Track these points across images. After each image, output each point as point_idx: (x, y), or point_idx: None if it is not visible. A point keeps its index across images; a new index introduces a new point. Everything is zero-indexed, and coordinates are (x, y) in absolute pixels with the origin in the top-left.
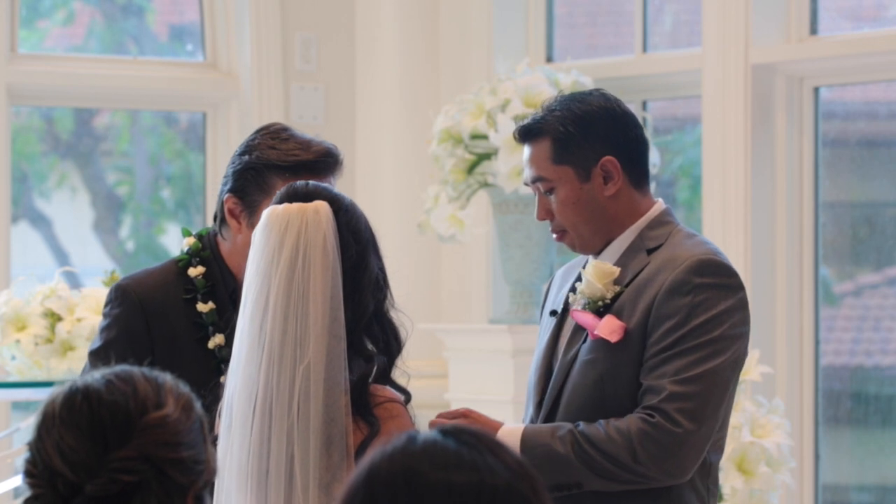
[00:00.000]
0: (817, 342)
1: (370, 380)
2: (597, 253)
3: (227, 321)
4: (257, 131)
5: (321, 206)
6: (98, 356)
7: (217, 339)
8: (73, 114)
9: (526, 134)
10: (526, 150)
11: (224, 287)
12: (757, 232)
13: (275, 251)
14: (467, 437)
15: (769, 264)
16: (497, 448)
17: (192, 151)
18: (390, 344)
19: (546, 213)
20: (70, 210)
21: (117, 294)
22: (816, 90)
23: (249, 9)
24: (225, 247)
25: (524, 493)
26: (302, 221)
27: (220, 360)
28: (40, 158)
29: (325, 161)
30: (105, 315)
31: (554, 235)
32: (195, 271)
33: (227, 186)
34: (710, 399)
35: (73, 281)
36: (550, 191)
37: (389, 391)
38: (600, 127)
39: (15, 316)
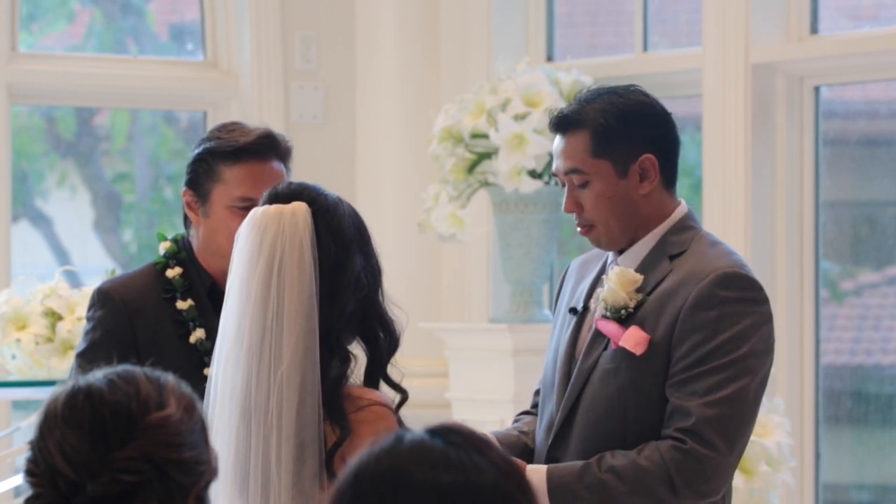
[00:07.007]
0: (818, 341)
1: (345, 381)
2: (619, 251)
3: (207, 317)
4: (211, 129)
5: (299, 208)
6: (85, 357)
7: (198, 334)
8: (74, 113)
9: (563, 124)
10: (559, 141)
11: (201, 285)
12: (757, 231)
13: (253, 254)
14: (455, 436)
15: (769, 263)
16: (484, 447)
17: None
18: (380, 342)
19: (575, 206)
20: (70, 209)
21: (100, 297)
22: (817, 89)
23: (249, 8)
24: (195, 245)
25: (511, 492)
26: (279, 225)
27: (203, 353)
28: (41, 158)
29: (263, 142)
30: (89, 318)
31: (579, 229)
32: (173, 272)
33: (184, 181)
34: (742, 420)
35: (74, 280)
36: (584, 184)
37: (376, 394)
38: (642, 123)
39: (15, 315)
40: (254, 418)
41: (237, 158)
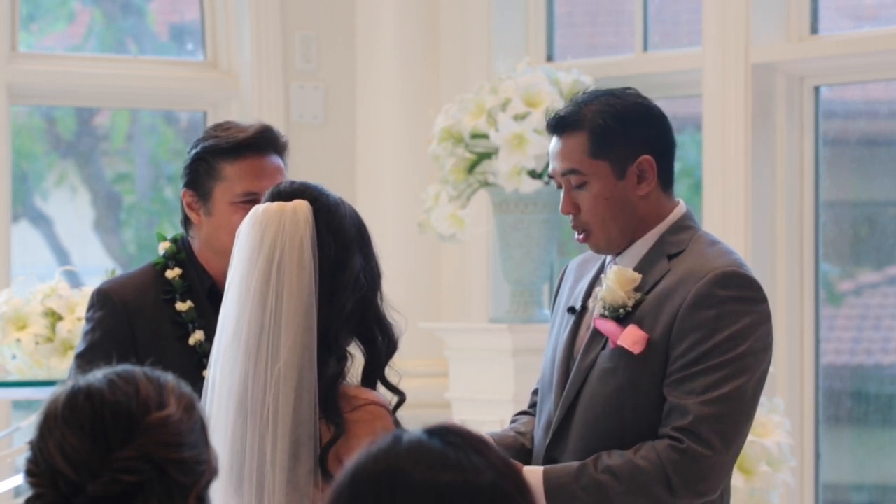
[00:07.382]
0: (818, 341)
1: (342, 380)
2: (617, 253)
3: (206, 318)
4: (205, 129)
5: (300, 205)
6: (84, 358)
7: (197, 336)
8: (74, 113)
9: (560, 125)
10: (556, 142)
11: (201, 285)
12: (757, 231)
13: (253, 251)
14: (453, 436)
15: (770, 264)
16: (482, 447)
17: None
18: (377, 344)
19: (572, 208)
20: (70, 209)
21: (99, 298)
22: (817, 89)
23: (249, 8)
24: (196, 246)
25: (509, 492)
26: (280, 222)
27: (202, 355)
28: (41, 158)
29: (262, 137)
30: (88, 319)
31: (578, 234)
32: (172, 273)
33: (182, 183)
34: (739, 419)
35: (74, 280)
36: (581, 185)
37: (372, 394)
38: (640, 125)
39: (15, 315)
40: (250, 415)
41: (238, 154)
